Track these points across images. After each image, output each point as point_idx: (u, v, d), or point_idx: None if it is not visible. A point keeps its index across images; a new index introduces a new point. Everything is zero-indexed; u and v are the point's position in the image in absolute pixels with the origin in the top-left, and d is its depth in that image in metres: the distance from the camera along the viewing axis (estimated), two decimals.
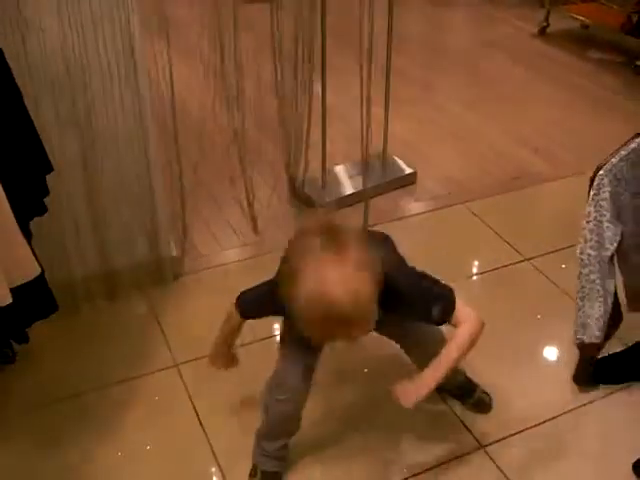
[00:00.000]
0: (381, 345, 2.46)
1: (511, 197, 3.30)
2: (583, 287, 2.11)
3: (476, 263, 2.93)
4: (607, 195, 2.00)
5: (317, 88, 3.00)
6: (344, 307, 1.51)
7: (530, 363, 2.45)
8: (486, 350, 2.44)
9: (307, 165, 3.15)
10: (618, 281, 2.17)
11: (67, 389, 2.29)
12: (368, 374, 2.36)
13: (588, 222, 2.04)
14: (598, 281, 2.09)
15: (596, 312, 2.13)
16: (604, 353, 2.35)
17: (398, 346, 2.10)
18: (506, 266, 2.85)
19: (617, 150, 2.00)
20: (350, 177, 3.28)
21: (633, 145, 1.99)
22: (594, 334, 2.15)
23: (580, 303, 2.14)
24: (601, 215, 2.03)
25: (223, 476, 2.07)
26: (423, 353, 1.89)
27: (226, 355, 2.10)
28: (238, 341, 2.23)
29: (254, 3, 3.03)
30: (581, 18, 5.00)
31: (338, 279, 1.52)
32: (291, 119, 2.98)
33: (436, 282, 1.84)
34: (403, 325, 1.96)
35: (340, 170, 3.33)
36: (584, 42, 4.97)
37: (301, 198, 3.20)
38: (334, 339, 1.71)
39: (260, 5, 2.78)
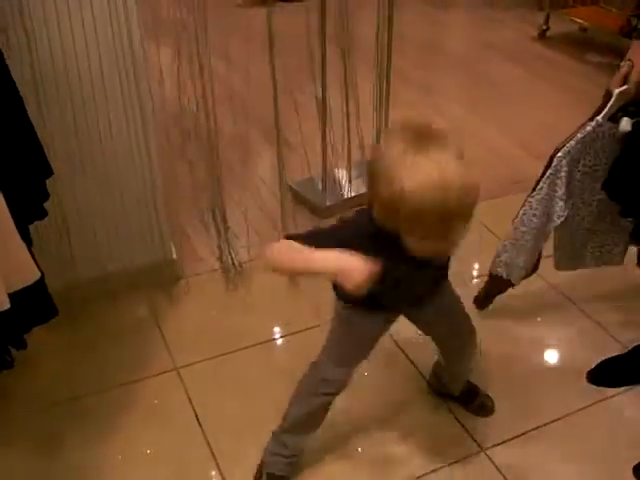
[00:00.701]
0: (379, 349, 2.46)
1: (510, 200, 3.28)
2: (517, 240, 2.33)
3: (476, 266, 2.93)
4: (563, 174, 2.20)
5: (317, 90, 3.00)
6: (463, 191, 1.48)
7: (530, 365, 2.45)
8: (486, 352, 2.45)
9: (308, 168, 3.15)
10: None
11: (67, 393, 2.29)
12: (368, 377, 2.36)
13: (538, 195, 2.24)
14: (532, 242, 2.32)
15: (521, 262, 2.37)
16: (604, 356, 2.36)
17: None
18: None
19: (574, 133, 2.18)
20: (351, 180, 3.28)
21: (589, 128, 2.15)
22: (514, 276, 2.41)
23: (509, 246, 2.36)
24: (553, 191, 2.22)
25: (223, 479, 2.07)
26: (453, 345, 2.03)
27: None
28: (239, 345, 2.25)
29: (253, 7, 3.02)
30: (580, 21, 5.01)
31: (452, 166, 1.48)
32: (291, 122, 2.98)
33: None
34: (440, 312, 1.95)
35: (340, 173, 3.33)
36: (583, 45, 4.98)
37: (301, 201, 3.20)
38: (446, 237, 1.59)
39: (258, 10, 2.77)
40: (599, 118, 2.14)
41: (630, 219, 2.30)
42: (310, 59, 2.89)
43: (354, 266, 1.49)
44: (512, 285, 2.45)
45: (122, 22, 2.19)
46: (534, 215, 2.27)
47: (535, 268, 2.49)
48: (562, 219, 2.28)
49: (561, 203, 2.25)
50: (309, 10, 2.83)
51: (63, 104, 2.25)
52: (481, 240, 3.02)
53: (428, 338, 2.09)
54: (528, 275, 2.48)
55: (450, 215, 1.48)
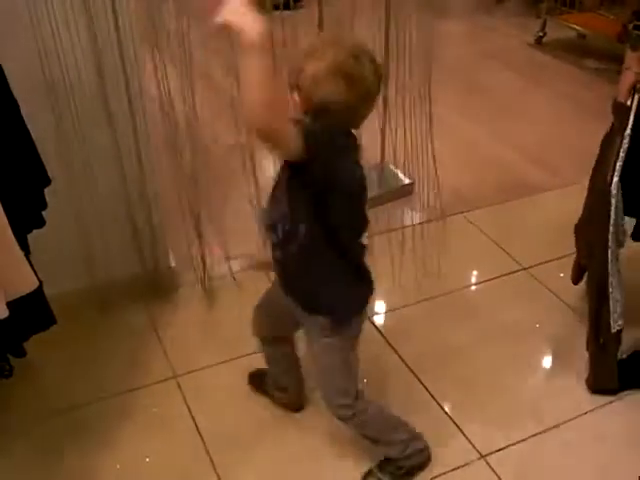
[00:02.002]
0: (376, 355, 2.46)
1: (509, 207, 3.30)
2: (617, 281, 2.22)
3: (474, 273, 2.93)
4: (620, 197, 2.19)
5: None
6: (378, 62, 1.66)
7: (530, 371, 2.45)
8: (486, 359, 2.45)
9: None
10: None
11: (66, 402, 2.29)
12: (366, 384, 2.36)
13: (612, 228, 2.18)
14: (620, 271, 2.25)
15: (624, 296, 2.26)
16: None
17: None
18: (504, 275, 2.85)
19: (611, 156, 2.16)
20: None
21: (626, 145, 2.14)
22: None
23: (616, 296, 2.23)
24: (618, 214, 2.20)
25: None
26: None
27: None
28: (238, 352, 2.24)
29: None
30: (577, 28, 5.02)
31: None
32: None
33: None
34: None
35: None
36: (581, 51, 4.99)
37: None
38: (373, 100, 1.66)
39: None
40: (629, 131, 2.14)
41: None
42: None
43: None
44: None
45: (112, 29, 2.20)
46: (616, 247, 2.24)
47: None
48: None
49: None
50: (307, 18, 2.83)
51: (56, 113, 2.25)
52: (479, 247, 3.03)
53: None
54: None
55: (375, 81, 1.64)
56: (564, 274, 2.70)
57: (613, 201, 2.17)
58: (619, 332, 2.27)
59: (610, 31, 4.66)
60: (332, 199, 1.65)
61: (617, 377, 2.32)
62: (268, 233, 1.79)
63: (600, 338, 2.28)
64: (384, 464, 2.07)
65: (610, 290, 2.22)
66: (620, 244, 2.27)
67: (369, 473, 2.07)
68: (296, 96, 1.63)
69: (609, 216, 2.18)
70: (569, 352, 2.48)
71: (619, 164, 2.15)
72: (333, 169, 1.59)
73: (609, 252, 2.21)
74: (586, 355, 2.35)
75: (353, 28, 2.86)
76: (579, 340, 2.39)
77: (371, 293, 1.90)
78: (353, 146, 1.71)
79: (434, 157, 3.01)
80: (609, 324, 2.24)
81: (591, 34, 5.00)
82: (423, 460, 2.09)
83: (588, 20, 5.00)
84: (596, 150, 2.28)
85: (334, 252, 1.75)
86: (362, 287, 1.88)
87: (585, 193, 2.36)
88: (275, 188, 1.75)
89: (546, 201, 3.35)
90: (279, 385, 2.24)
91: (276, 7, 2.83)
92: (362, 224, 1.81)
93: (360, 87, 1.61)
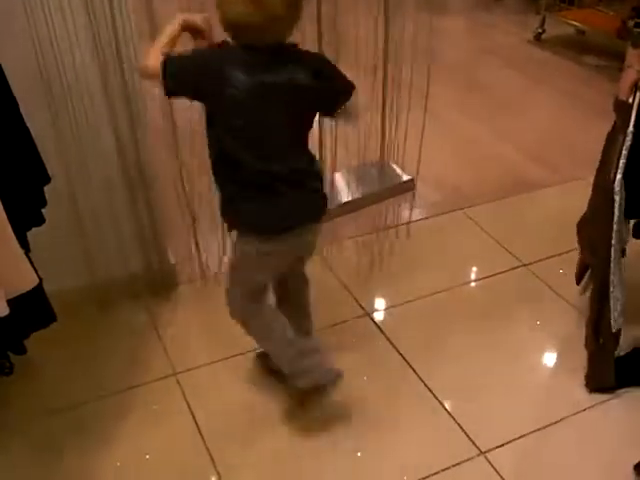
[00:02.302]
0: (375, 351, 2.46)
1: (508, 203, 3.30)
2: (619, 280, 2.22)
3: (474, 269, 2.93)
4: (624, 194, 2.18)
5: None
6: None
7: (530, 368, 2.45)
8: (486, 356, 2.45)
9: None
10: None
11: (65, 399, 2.29)
12: (367, 381, 2.36)
13: (616, 225, 2.18)
14: (622, 270, 2.26)
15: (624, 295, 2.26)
16: None
17: None
18: (504, 272, 2.85)
19: (614, 154, 2.15)
20: (348, 184, 3.28)
21: (628, 143, 2.13)
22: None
23: (617, 295, 2.23)
24: (621, 212, 2.20)
25: None
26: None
27: None
28: (238, 349, 2.25)
29: None
30: (576, 24, 5.02)
31: None
32: None
33: None
34: None
35: (337, 178, 3.33)
36: (580, 48, 4.99)
37: None
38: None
39: None
40: (631, 129, 2.14)
41: None
42: None
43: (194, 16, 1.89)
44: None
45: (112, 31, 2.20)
46: (620, 246, 2.24)
47: None
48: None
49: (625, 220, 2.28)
50: (305, 14, 2.83)
51: (56, 112, 2.25)
52: (479, 243, 3.03)
53: None
54: None
55: None
56: (564, 270, 2.71)
57: (617, 198, 2.17)
58: (618, 331, 2.27)
59: (609, 27, 4.66)
60: (209, 113, 1.88)
61: (615, 375, 2.32)
62: None
63: (600, 337, 2.28)
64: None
65: (611, 289, 2.22)
66: (623, 242, 2.27)
67: None
68: None
69: (613, 214, 2.17)
70: (569, 349, 2.47)
71: (622, 162, 2.15)
72: (195, 86, 1.82)
73: (612, 250, 2.20)
74: (586, 352, 2.36)
75: (352, 25, 2.86)
76: (579, 337, 2.39)
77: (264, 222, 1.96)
78: (244, 60, 1.78)
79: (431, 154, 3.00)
80: (609, 323, 2.24)
81: (590, 30, 5.00)
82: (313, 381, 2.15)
83: (587, 16, 5.00)
84: (596, 147, 2.28)
85: (227, 169, 1.92)
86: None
87: (586, 189, 2.36)
88: None
89: (546, 197, 3.35)
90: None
91: None
92: (256, 142, 1.87)
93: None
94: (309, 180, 1.97)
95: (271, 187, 1.90)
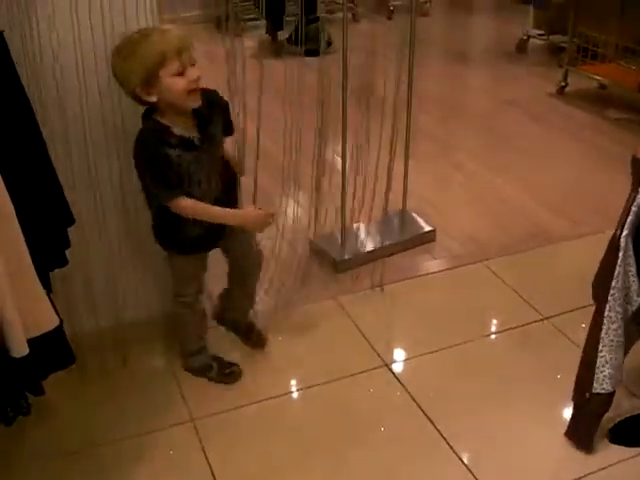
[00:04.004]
0: (393, 401, 2.45)
1: (530, 255, 3.29)
2: (613, 341, 2.15)
3: (495, 322, 2.91)
4: (631, 252, 2.11)
5: (337, 147, 3.03)
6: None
7: (549, 423, 2.42)
8: (505, 409, 2.42)
9: (326, 222, 3.16)
10: None
11: (82, 442, 2.28)
12: (384, 432, 2.34)
13: (617, 282, 2.11)
14: (623, 332, 2.16)
15: (621, 359, 2.18)
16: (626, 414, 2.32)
17: None
18: (525, 325, 2.83)
19: (626, 209, 2.10)
20: (369, 234, 3.29)
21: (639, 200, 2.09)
22: (618, 380, 2.19)
23: (608, 354, 2.15)
24: (629, 271, 2.13)
25: None
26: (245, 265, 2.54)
27: None
28: (253, 398, 2.25)
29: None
30: (599, 78, 5.05)
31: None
32: (311, 175, 3.00)
33: None
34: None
35: (359, 227, 3.34)
36: (602, 101, 5.00)
37: (319, 254, 3.21)
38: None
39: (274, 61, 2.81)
40: None
41: None
42: (329, 114, 2.93)
43: (252, 217, 2.31)
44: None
45: None
46: (619, 305, 2.15)
47: None
48: None
49: (637, 281, 2.17)
50: (327, 64, 2.87)
51: (75, 155, 2.30)
52: (500, 295, 3.01)
53: None
54: None
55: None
56: (586, 324, 2.67)
57: (620, 255, 2.11)
58: (609, 394, 2.19)
59: (631, 82, 4.68)
60: None
61: (592, 437, 2.26)
62: None
63: (585, 392, 2.22)
64: None
65: (600, 347, 2.15)
66: (630, 302, 2.18)
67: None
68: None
69: (614, 269, 2.12)
70: None
71: (630, 218, 2.10)
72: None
73: (607, 306, 2.13)
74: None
75: (377, 75, 2.89)
76: None
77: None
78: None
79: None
80: (592, 382, 2.18)
81: (612, 84, 5.02)
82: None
83: (609, 71, 5.02)
84: (617, 200, 2.27)
85: None
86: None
87: (607, 243, 2.34)
88: None
89: (567, 250, 3.33)
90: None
91: (308, 52, 2.91)
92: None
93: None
94: None
95: None
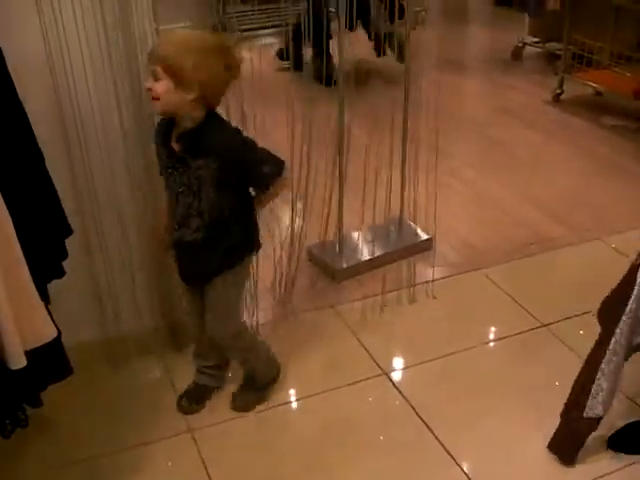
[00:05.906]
0: (393, 411, 2.44)
1: (528, 263, 3.29)
2: (613, 370, 2.12)
3: (493, 329, 2.91)
4: None
5: (334, 155, 3.04)
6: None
7: (549, 430, 2.41)
8: (504, 418, 2.42)
9: (324, 231, 3.16)
10: None
11: (80, 453, 2.28)
12: (383, 441, 2.33)
13: (628, 317, 2.07)
14: (621, 362, 2.13)
15: (617, 386, 2.16)
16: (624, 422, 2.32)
17: None
18: (523, 332, 2.83)
19: None
20: (367, 243, 3.29)
21: None
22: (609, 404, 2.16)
23: (605, 382, 2.12)
24: None
25: None
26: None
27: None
28: (258, 407, 2.28)
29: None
30: (594, 85, 5.05)
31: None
32: (306, 185, 3.00)
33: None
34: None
35: (357, 236, 3.34)
36: (598, 108, 5.01)
37: (318, 263, 3.21)
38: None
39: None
40: None
41: None
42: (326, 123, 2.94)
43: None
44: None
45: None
46: (625, 338, 2.11)
47: None
48: None
49: None
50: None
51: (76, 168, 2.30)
52: (498, 303, 3.01)
53: None
54: None
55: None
56: (584, 331, 2.68)
57: (636, 289, 2.05)
58: (598, 419, 2.17)
59: (626, 88, 4.68)
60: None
61: (576, 453, 2.25)
62: None
63: (575, 412, 2.20)
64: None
65: (598, 376, 2.13)
66: (638, 333, 2.13)
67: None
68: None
69: (628, 300, 2.06)
70: None
71: None
72: None
73: (613, 339, 2.09)
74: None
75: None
76: None
77: None
78: None
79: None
80: (584, 406, 2.16)
81: (607, 91, 5.03)
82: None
83: (604, 77, 5.03)
84: (614, 206, 2.27)
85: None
86: None
87: (604, 249, 2.34)
88: None
89: (565, 257, 3.33)
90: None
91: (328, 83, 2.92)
92: None
93: None
94: None
95: None
